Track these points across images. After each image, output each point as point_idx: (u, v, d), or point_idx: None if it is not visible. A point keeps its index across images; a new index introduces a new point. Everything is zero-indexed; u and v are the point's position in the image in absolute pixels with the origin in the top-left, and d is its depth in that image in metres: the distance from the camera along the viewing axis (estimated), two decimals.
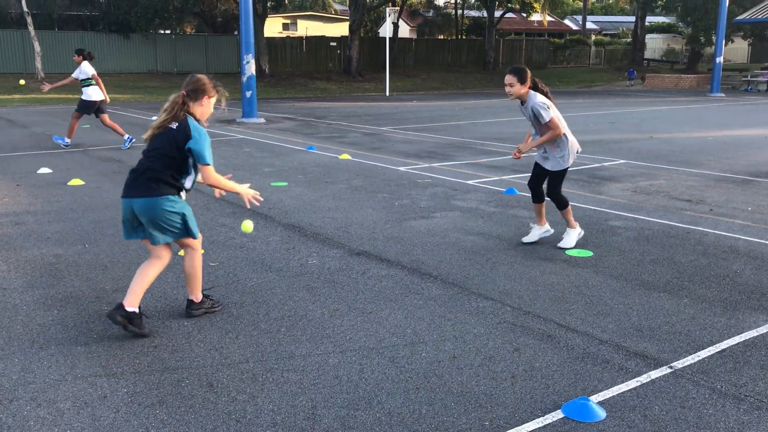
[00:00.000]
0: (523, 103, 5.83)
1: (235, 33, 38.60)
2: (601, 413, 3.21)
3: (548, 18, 55.12)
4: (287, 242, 6.20)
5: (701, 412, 3.26)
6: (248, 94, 17.60)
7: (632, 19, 54.45)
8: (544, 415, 3.22)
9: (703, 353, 3.90)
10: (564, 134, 5.85)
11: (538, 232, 6.22)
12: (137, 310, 4.06)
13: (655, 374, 3.64)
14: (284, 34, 49.40)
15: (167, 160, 4.10)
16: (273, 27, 49.20)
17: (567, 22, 66.28)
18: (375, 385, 3.51)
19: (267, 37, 37.49)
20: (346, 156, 11.49)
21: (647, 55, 51.91)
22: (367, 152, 12.14)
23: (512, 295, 4.85)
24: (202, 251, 4.81)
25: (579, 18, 64.24)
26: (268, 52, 36.77)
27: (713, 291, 4.96)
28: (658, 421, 3.17)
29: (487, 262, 5.65)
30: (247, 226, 4.55)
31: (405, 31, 53.65)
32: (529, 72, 5.77)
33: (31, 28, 30.39)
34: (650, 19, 54.79)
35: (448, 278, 5.22)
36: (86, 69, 12.07)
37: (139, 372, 3.64)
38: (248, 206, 4.57)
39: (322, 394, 3.41)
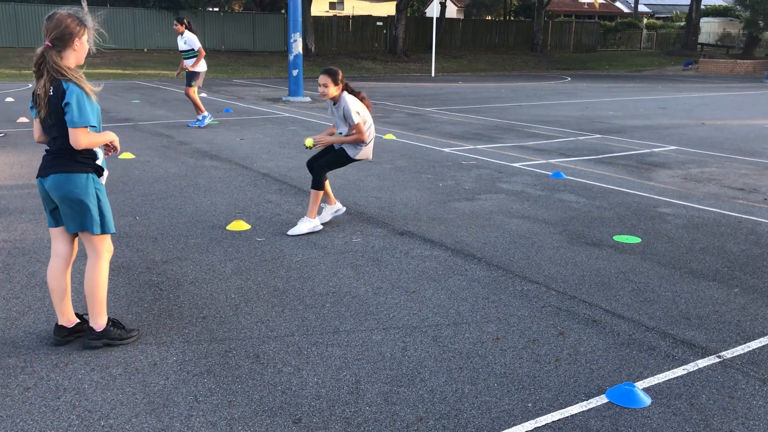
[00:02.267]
0: (335, 103, 5.87)
1: (282, 12, 38.73)
2: (647, 399, 3.18)
3: (599, 0, 53.92)
4: (331, 220, 6.24)
5: (750, 403, 3.20)
6: (294, 72, 17.68)
7: (687, 1, 52.85)
8: (588, 399, 3.20)
9: (754, 344, 3.82)
10: (364, 142, 5.85)
11: (330, 211, 6.17)
12: (78, 320, 3.72)
13: (702, 363, 3.58)
14: (331, 13, 49.37)
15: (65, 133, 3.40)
16: (320, 6, 49.21)
17: (618, 4, 64.70)
18: (418, 363, 3.53)
19: (314, 16, 37.54)
20: (390, 136, 11.48)
21: (701, 39, 50.36)
22: (412, 133, 12.11)
23: (557, 280, 4.81)
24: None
25: (631, 1, 62.65)
26: (315, 31, 36.83)
27: (765, 281, 4.85)
28: (704, 410, 3.12)
29: (532, 245, 5.61)
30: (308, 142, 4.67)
31: (452, 11, 53.10)
32: (341, 73, 5.86)
33: (84, 4, 30.89)
34: (706, 2, 53.10)
35: (492, 261, 5.20)
36: (191, 39, 11.58)
37: (188, 341, 3.74)
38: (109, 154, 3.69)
39: (366, 370, 3.45)
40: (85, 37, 3.46)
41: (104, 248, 3.62)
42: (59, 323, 3.69)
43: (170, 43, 34.86)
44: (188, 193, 7.24)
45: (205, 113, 12.16)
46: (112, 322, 3.72)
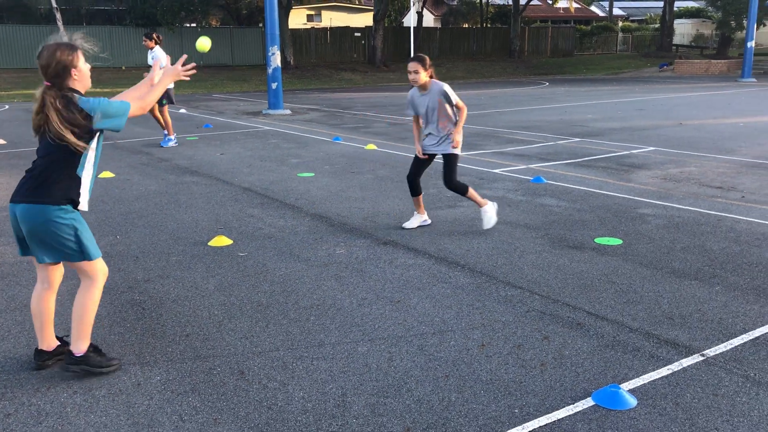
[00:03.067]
0: (424, 90, 5.98)
1: (260, 25, 38.74)
2: (632, 401, 3.19)
3: (574, 5, 54.49)
4: (315, 232, 6.23)
5: (734, 400, 3.22)
6: (274, 85, 17.68)
7: (660, 4, 53.51)
8: (574, 403, 3.21)
9: (736, 341, 3.86)
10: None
11: (419, 219, 6.38)
12: (58, 344, 3.65)
13: (686, 362, 3.61)
14: (309, 25, 49.46)
15: (58, 162, 3.32)
16: (297, 18, 49.30)
17: (593, 8, 65.40)
18: (404, 373, 3.53)
19: (292, 29, 37.60)
20: (372, 146, 11.49)
21: (676, 40, 50.99)
22: (393, 142, 12.13)
23: (540, 284, 4.83)
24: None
25: (606, 4, 63.31)
26: (293, 43, 36.87)
27: (746, 279, 4.90)
28: (690, 409, 3.14)
29: (515, 250, 5.63)
30: (203, 44, 4.05)
31: (429, 20, 53.40)
32: (429, 60, 5.99)
33: (60, 24, 30.78)
34: (679, 4, 53.83)
35: (475, 267, 5.21)
36: (159, 56, 11.27)
37: (172, 360, 3.70)
38: (186, 77, 3.79)
39: (352, 382, 3.44)
40: (80, 62, 3.33)
41: (96, 272, 3.48)
42: (39, 347, 3.64)
43: (148, 60, 34.75)
44: (169, 210, 7.19)
45: (172, 137, 11.83)
46: (93, 348, 3.58)
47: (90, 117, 3.26)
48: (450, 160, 6.11)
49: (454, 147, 6.03)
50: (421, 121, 6.22)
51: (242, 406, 3.23)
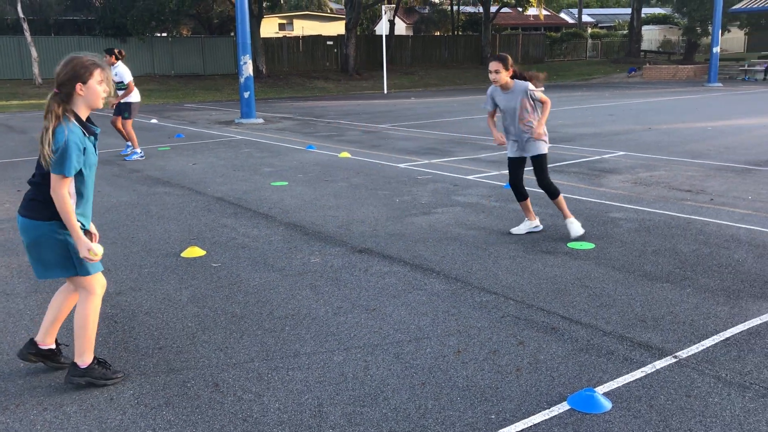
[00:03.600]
0: (506, 89, 5.97)
1: (232, 34, 38.56)
2: (607, 404, 3.22)
3: (544, 12, 55.03)
4: (289, 241, 6.20)
5: (707, 400, 3.26)
6: (246, 94, 17.60)
7: (628, 11, 54.38)
8: (550, 408, 3.22)
9: (707, 342, 3.91)
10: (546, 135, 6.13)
11: (528, 225, 6.35)
12: (53, 347, 3.69)
13: (659, 364, 3.64)
14: (281, 34, 49.36)
15: (46, 177, 3.27)
16: (269, 27, 49.17)
17: (563, 15, 66.22)
18: (380, 382, 3.52)
19: (263, 38, 37.47)
20: (345, 154, 11.49)
21: (644, 46, 51.81)
22: (367, 150, 12.14)
23: (515, 289, 4.85)
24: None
25: (575, 11, 64.14)
26: (265, 52, 36.75)
27: (716, 280, 4.97)
28: (663, 411, 3.17)
29: (489, 256, 5.65)
30: None
31: (401, 28, 53.63)
32: (511, 59, 5.99)
33: (27, 34, 30.36)
34: (646, 11, 54.71)
35: (450, 273, 5.23)
36: (122, 72, 11.07)
37: (145, 374, 3.65)
38: (81, 256, 3.32)
39: (328, 392, 3.42)
40: (93, 80, 3.29)
41: (93, 286, 3.47)
42: (35, 339, 3.64)
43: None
44: (141, 221, 7.11)
45: (138, 150, 11.59)
46: (98, 361, 3.56)
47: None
48: (539, 161, 6.05)
49: (536, 139, 5.96)
50: (497, 115, 6.26)
51: (217, 419, 3.19)
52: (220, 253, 5.89)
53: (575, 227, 6.09)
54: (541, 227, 6.36)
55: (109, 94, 3.43)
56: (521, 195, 6.24)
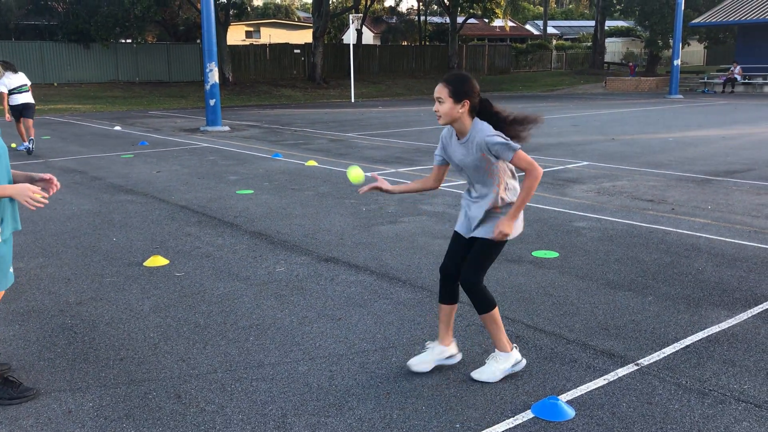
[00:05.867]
0: (460, 133, 3.54)
1: (198, 41, 38.26)
2: (571, 412, 3.24)
3: (510, 23, 55.79)
4: (254, 250, 6.15)
5: (667, 407, 3.31)
6: (212, 102, 17.46)
7: (592, 23, 55.36)
8: (514, 416, 3.24)
9: (668, 350, 3.97)
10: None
11: (439, 354, 3.74)
12: None
13: (622, 372, 3.69)
14: (247, 41, 49.16)
15: None
16: (236, 35, 48.91)
17: (528, 27, 67.14)
18: (345, 392, 3.50)
19: (230, 45, 37.26)
20: (312, 163, 11.45)
21: (607, 58, 52.78)
22: (334, 158, 12.12)
23: None
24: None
25: (540, 23, 65.14)
26: (232, 60, 36.53)
27: (677, 288, 5.06)
28: (625, 418, 3.21)
29: None
30: (356, 175, 3.36)
31: (369, 37, 53.79)
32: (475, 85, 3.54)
33: None
34: (609, 24, 55.76)
35: (416, 282, 5.23)
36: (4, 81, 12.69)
37: (105, 385, 3.58)
38: (32, 209, 3.31)
39: (292, 402, 3.39)
40: None
41: None
42: None
43: (81, 77, 33.90)
44: (103, 229, 6.99)
45: (26, 143, 13.17)
46: (3, 380, 3.42)
47: None
48: (482, 246, 3.55)
49: (495, 236, 3.46)
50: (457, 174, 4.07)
51: (179, 431, 3.14)
52: (183, 262, 5.81)
53: (493, 367, 3.61)
54: (457, 359, 3.78)
55: None
56: (447, 294, 3.69)
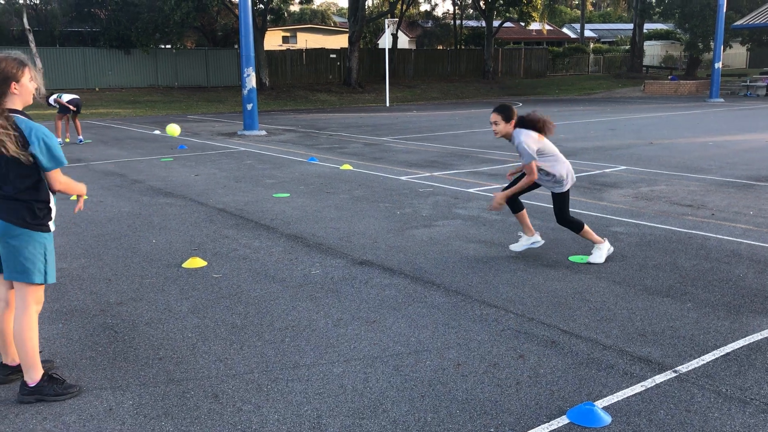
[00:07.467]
0: (510, 140, 5.72)
1: (236, 46, 38.77)
2: (607, 418, 3.21)
3: (546, 27, 55.32)
4: (290, 253, 6.21)
5: (707, 416, 3.26)
6: (249, 106, 17.67)
7: (630, 26, 54.60)
8: (549, 421, 3.22)
9: (708, 357, 3.90)
10: (555, 177, 5.71)
11: (527, 241, 6.02)
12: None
13: (659, 379, 3.64)
14: (284, 46, 49.61)
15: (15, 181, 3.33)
16: (273, 40, 49.43)
17: (565, 30, 66.49)
18: (380, 394, 3.51)
19: (267, 50, 37.67)
20: (347, 166, 11.52)
21: (646, 61, 51.98)
22: (369, 162, 12.17)
23: (515, 302, 4.85)
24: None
25: (577, 26, 64.41)
26: (269, 64, 36.93)
27: (716, 295, 4.97)
28: (663, 426, 3.17)
29: (490, 269, 5.66)
30: (173, 129, 3.97)
31: (404, 42, 53.85)
32: (515, 109, 5.72)
33: (32, 45, 30.59)
34: (648, 26, 54.92)
35: (451, 286, 5.23)
36: None
37: (145, 384, 3.65)
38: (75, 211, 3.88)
39: (327, 404, 3.42)
40: (25, 78, 3.33)
41: (34, 299, 3.46)
42: (3, 362, 3.62)
43: (122, 82, 34.59)
44: (142, 231, 7.13)
45: (60, 139, 15.21)
46: (48, 376, 3.51)
47: (25, 138, 3.23)
48: (554, 198, 5.81)
49: (492, 209, 5.96)
50: None
51: (216, 430, 3.19)
52: (221, 264, 5.90)
53: (598, 255, 5.78)
54: (540, 242, 6.02)
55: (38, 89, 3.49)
56: (515, 206, 5.95)
